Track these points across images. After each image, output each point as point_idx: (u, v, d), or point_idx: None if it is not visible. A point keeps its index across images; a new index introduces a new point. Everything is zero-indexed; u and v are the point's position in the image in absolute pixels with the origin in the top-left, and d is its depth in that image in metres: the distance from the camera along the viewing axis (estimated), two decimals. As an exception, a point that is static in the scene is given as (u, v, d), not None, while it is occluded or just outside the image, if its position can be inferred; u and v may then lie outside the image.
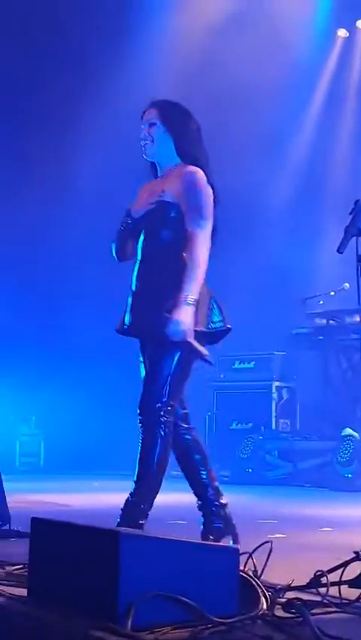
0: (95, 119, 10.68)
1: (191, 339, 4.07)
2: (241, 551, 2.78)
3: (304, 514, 6.20)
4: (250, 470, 9.12)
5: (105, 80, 10.70)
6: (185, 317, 4.06)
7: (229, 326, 4.35)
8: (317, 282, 10.05)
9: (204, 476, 4.35)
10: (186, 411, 4.40)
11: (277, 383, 9.92)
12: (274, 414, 9.78)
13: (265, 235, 10.85)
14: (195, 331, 4.16)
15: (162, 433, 4.13)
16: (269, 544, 3.00)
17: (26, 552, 2.94)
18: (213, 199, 4.32)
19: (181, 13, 11.12)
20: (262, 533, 4.07)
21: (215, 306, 4.32)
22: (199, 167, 4.31)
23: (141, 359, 4.37)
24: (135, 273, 4.32)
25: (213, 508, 4.31)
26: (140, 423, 4.19)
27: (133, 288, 4.31)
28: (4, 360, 10.30)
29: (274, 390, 9.87)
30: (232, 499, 7.52)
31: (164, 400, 4.14)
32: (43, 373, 10.73)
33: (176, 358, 4.15)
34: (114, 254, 4.48)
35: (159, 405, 4.13)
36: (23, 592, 2.87)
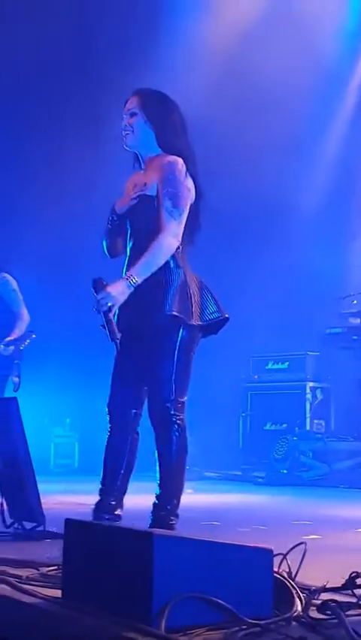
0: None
1: (111, 317, 4.00)
2: (275, 552, 2.77)
3: (339, 515, 6.16)
4: (285, 471, 9.10)
5: (135, 83, 10.71)
6: (117, 293, 3.99)
7: (226, 315, 4.25)
8: (350, 281, 10.00)
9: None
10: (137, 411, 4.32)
11: (311, 383, 9.89)
12: (308, 414, 9.75)
13: (298, 235, 10.82)
14: (192, 325, 4.12)
15: (177, 433, 4.12)
16: (304, 545, 2.99)
17: (61, 553, 2.95)
18: (196, 192, 4.22)
19: (210, 16, 11.10)
20: (296, 534, 4.06)
21: (209, 298, 4.23)
22: (182, 158, 4.19)
23: (119, 355, 4.24)
24: (124, 271, 4.24)
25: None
26: (152, 425, 4.17)
27: None
28: (37, 363, 10.35)
29: (308, 390, 9.84)
30: (266, 500, 7.55)
31: (172, 398, 4.11)
32: (77, 375, 10.76)
33: (176, 355, 4.11)
34: (105, 251, 4.42)
35: (168, 404, 4.11)
36: (57, 593, 2.88)
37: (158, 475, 4.15)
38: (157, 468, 4.16)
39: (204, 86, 10.25)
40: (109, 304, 3.99)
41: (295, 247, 10.68)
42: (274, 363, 10.21)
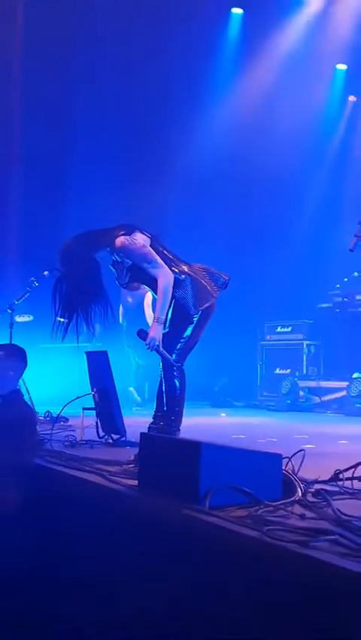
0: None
1: (161, 349, 3.92)
2: (283, 456, 2.77)
3: (326, 432, 6.12)
4: (289, 402, 9.06)
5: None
6: (156, 334, 3.87)
7: (226, 277, 4.10)
8: (335, 269, 9.65)
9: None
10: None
11: (307, 341, 9.79)
12: (305, 363, 9.67)
13: (299, 234, 10.48)
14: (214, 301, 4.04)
15: (175, 373, 4.07)
16: (303, 451, 2.98)
17: (137, 456, 2.96)
18: (149, 236, 3.96)
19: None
20: (297, 444, 4.05)
21: (212, 272, 4.10)
22: (118, 235, 3.87)
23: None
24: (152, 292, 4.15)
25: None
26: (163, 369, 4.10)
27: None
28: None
29: (304, 346, 9.74)
30: (276, 421, 7.52)
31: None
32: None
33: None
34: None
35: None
36: (135, 483, 2.90)
37: (165, 402, 4.12)
38: (164, 397, 4.12)
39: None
40: (156, 344, 3.91)
41: (297, 242, 10.43)
42: (281, 327, 10.12)
